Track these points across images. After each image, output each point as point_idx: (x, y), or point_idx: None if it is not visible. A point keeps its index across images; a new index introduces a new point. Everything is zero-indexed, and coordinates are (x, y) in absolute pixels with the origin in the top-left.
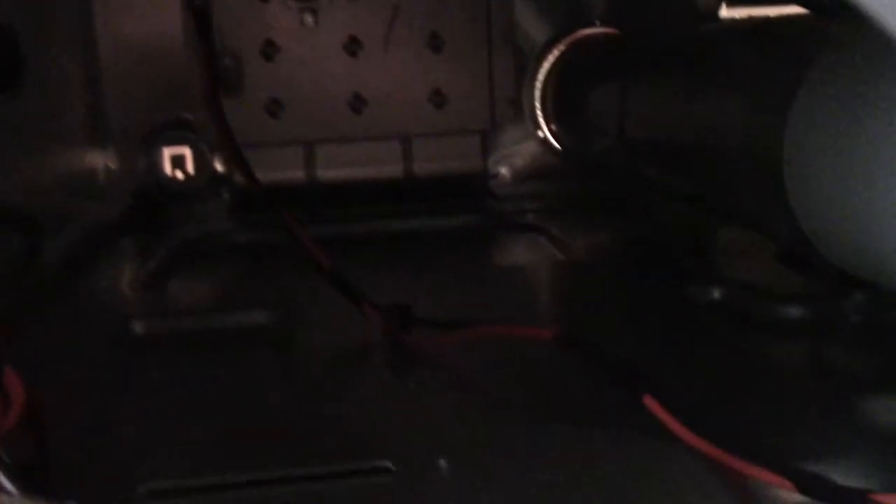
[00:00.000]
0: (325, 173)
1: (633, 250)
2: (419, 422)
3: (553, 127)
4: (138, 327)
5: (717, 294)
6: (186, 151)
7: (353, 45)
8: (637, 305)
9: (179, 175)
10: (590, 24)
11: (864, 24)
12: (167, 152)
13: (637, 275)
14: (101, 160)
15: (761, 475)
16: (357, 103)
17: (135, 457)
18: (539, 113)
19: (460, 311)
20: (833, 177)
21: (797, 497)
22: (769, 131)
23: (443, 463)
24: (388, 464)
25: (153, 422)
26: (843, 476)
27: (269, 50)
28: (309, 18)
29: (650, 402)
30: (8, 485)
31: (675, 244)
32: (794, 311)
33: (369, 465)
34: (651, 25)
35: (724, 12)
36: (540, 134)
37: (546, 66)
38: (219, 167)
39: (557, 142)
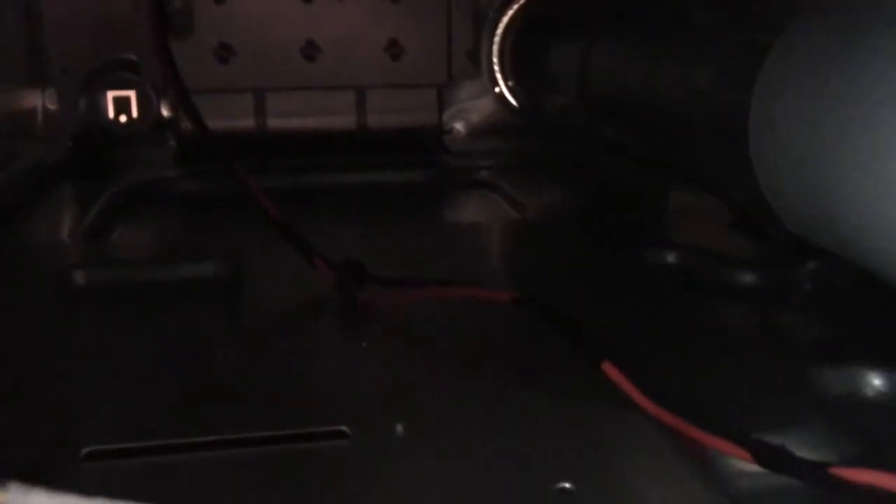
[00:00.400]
0: (276, 122)
1: (587, 211)
2: (374, 383)
3: (510, 83)
4: (80, 277)
5: (671, 258)
6: (131, 94)
7: None
8: (591, 267)
9: (123, 118)
10: None
11: None
12: (110, 95)
13: (591, 236)
14: (40, 101)
15: (720, 445)
16: (311, 51)
17: (76, 417)
18: (496, 68)
19: (411, 267)
20: (797, 144)
21: (755, 468)
22: (735, 96)
23: (399, 428)
24: (345, 428)
25: (95, 379)
26: (797, 446)
27: None
28: None
29: (609, 369)
30: None
31: (630, 205)
32: (748, 278)
33: (325, 429)
34: None
35: None
36: (497, 90)
37: (505, 20)
38: (165, 112)
39: (514, 98)
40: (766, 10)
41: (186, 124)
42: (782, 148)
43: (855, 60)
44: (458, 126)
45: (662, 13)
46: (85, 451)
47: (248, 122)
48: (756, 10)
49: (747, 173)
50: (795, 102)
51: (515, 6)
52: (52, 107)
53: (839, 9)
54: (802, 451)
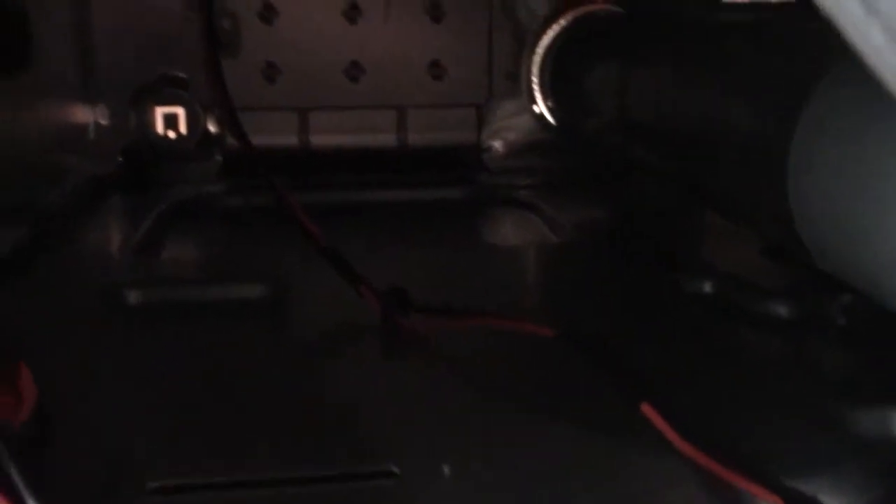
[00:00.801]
0: (319, 140)
1: (623, 233)
2: (420, 417)
3: (549, 102)
4: (131, 296)
5: (706, 286)
6: (179, 111)
7: (352, 12)
8: (627, 294)
9: (171, 134)
10: (592, 0)
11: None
12: (160, 111)
13: (627, 260)
14: (91, 116)
15: (755, 490)
16: (354, 71)
17: (136, 449)
18: (536, 87)
19: (449, 288)
20: (837, 186)
21: None
22: (777, 132)
23: (447, 468)
24: (393, 467)
25: (152, 409)
26: (828, 489)
27: (268, 13)
28: None
29: (648, 411)
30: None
31: (666, 228)
32: (783, 309)
33: (375, 468)
34: (653, 4)
35: None
36: (535, 109)
37: (546, 40)
38: (211, 128)
39: (553, 117)
40: (811, 48)
41: (232, 140)
42: (821, 187)
43: None
44: (497, 144)
45: (704, 40)
46: (150, 486)
47: (291, 140)
48: (802, 46)
49: (782, 208)
50: (838, 143)
51: (556, 27)
52: (103, 122)
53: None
54: (834, 495)
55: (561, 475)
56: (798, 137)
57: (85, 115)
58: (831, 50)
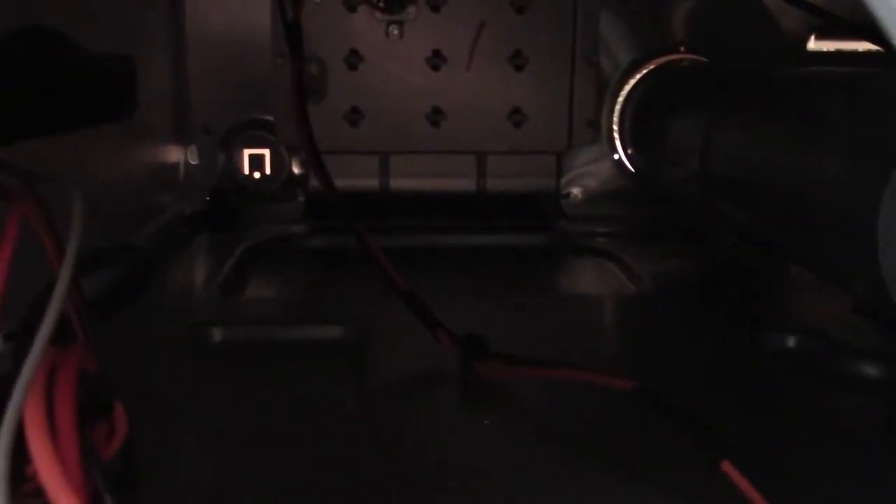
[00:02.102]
0: (399, 183)
1: (703, 285)
2: (495, 466)
3: (629, 150)
4: (216, 334)
5: (791, 343)
6: (265, 152)
7: (436, 59)
8: (709, 349)
9: (257, 175)
10: (674, 49)
11: None
12: (247, 152)
13: (708, 314)
14: (182, 156)
15: None
16: (436, 117)
17: (221, 492)
18: (616, 135)
19: (524, 335)
20: None
21: None
22: (866, 192)
23: None
24: None
25: (235, 447)
26: None
27: (354, 59)
28: (395, 30)
29: (729, 469)
30: None
31: (747, 281)
32: (872, 369)
33: None
34: (738, 56)
35: (813, 44)
36: (615, 156)
37: (627, 88)
38: (295, 169)
39: (632, 165)
40: None
41: (314, 182)
42: None
43: None
44: (576, 191)
45: (791, 94)
46: None
47: (372, 183)
48: (893, 103)
49: (871, 269)
50: None
51: (638, 76)
52: (193, 162)
53: None
54: None
55: None
56: (888, 200)
57: (176, 154)
58: None
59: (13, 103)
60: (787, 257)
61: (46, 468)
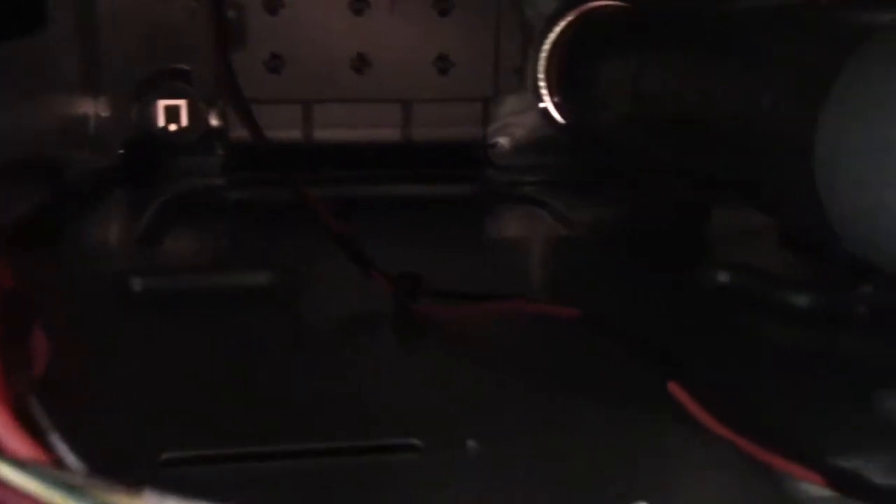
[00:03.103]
0: (323, 134)
1: (635, 227)
2: (442, 397)
3: (556, 99)
4: (136, 284)
5: (724, 278)
6: (182, 103)
7: (358, 4)
8: (645, 287)
9: (173, 127)
10: None
11: None
12: (161, 103)
13: (641, 254)
14: (92, 108)
15: (793, 469)
16: (360, 64)
17: (150, 422)
18: (542, 84)
19: (457, 281)
20: (865, 167)
21: (826, 493)
22: (802, 119)
23: (471, 443)
24: (417, 441)
25: (163, 386)
26: (867, 469)
27: (273, 3)
28: None
29: (676, 390)
30: (72, 459)
31: (678, 221)
32: (804, 299)
33: (397, 441)
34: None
35: None
36: (542, 105)
37: (552, 36)
38: (214, 121)
39: (560, 114)
40: (834, 30)
41: (234, 134)
42: (849, 172)
43: None
44: (502, 140)
45: (720, 28)
46: (164, 456)
47: (295, 133)
48: (824, 29)
49: (809, 193)
50: (865, 125)
51: (563, 22)
52: (104, 114)
53: None
54: (873, 473)
55: (585, 453)
56: (824, 121)
57: (85, 106)
58: (854, 33)
59: None
60: (724, 193)
61: None
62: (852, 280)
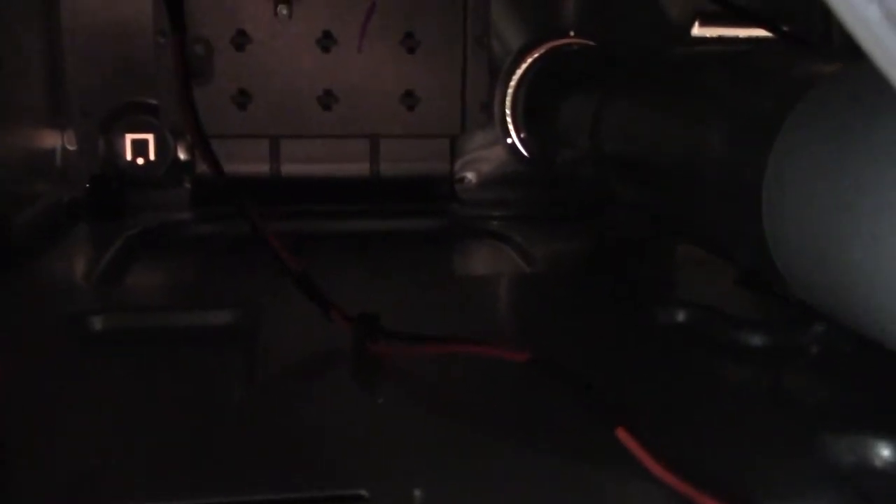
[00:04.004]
0: (290, 168)
1: (596, 263)
2: (391, 443)
3: (522, 134)
4: (95, 322)
5: (681, 317)
6: (149, 137)
7: (326, 41)
8: (601, 325)
9: (140, 161)
10: (564, 34)
11: (848, 65)
12: (129, 137)
13: (600, 291)
14: (59, 141)
15: None
16: (327, 100)
17: (96, 472)
18: (509, 120)
19: (420, 318)
20: (810, 213)
21: None
22: (750, 161)
23: (417, 493)
24: (364, 492)
25: (110, 431)
26: None
27: (241, 40)
28: (283, 10)
29: (624, 436)
30: None
31: (638, 259)
32: (757, 339)
33: (344, 492)
34: (625, 39)
35: (697, 30)
36: (508, 140)
37: (519, 73)
38: (181, 155)
39: (525, 149)
40: (783, 77)
41: (202, 168)
42: (794, 215)
43: (870, 132)
44: (469, 175)
45: (677, 72)
46: None
47: (262, 168)
48: (774, 76)
49: (756, 236)
50: (810, 171)
51: (529, 60)
52: (70, 147)
53: (857, 79)
54: None
55: (534, 499)
56: (771, 166)
57: (52, 139)
58: (802, 79)
59: None
60: (677, 232)
61: None
62: (806, 319)
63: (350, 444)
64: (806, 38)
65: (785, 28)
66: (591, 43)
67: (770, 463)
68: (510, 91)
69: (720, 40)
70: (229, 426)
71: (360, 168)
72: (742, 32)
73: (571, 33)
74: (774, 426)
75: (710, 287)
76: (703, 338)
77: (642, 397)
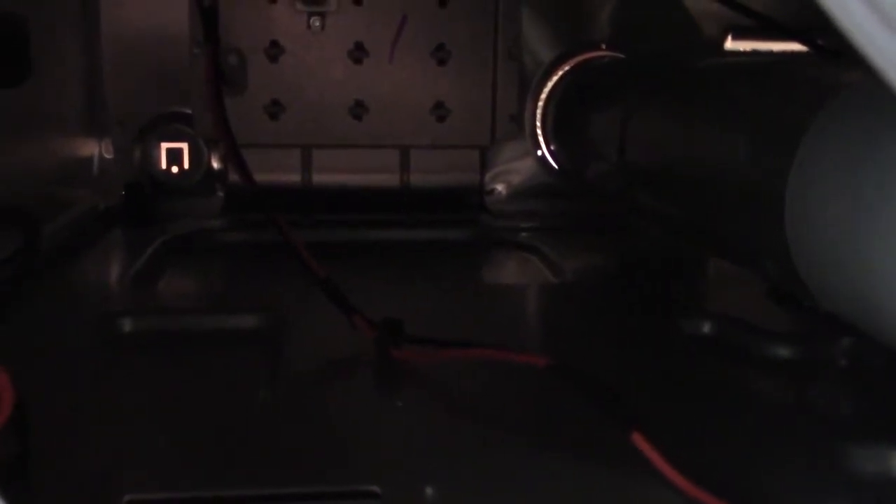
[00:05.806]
0: (321, 178)
1: (624, 275)
2: (408, 443)
3: (552, 146)
4: (126, 324)
5: (707, 328)
6: (183, 146)
7: (358, 52)
8: (627, 335)
9: (174, 169)
10: (595, 47)
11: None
12: (164, 146)
13: (627, 302)
14: (96, 150)
15: None
16: (358, 110)
17: (117, 464)
18: (539, 132)
19: (448, 327)
20: (833, 223)
21: None
22: (773, 172)
23: (430, 490)
24: (376, 488)
25: (136, 427)
26: None
27: (274, 51)
28: (316, 22)
29: (639, 440)
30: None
31: (666, 271)
32: (784, 351)
33: (357, 488)
34: (656, 52)
35: (729, 44)
36: (538, 152)
37: (549, 85)
38: (214, 164)
39: (555, 161)
40: (806, 87)
41: (235, 176)
42: (818, 225)
43: (893, 141)
44: (499, 187)
45: (701, 83)
46: (126, 498)
47: (294, 177)
48: (796, 86)
49: (781, 248)
50: (833, 180)
51: (560, 73)
52: (107, 156)
53: (879, 87)
54: None
55: (546, 501)
56: (794, 176)
57: (90, 148)
58: (825, 88)
59: None
60: (704, 244)
61: None
62: (834, 332)
63: (367, 443)
64: (840, 51)
65: (819, 41)
66: (622, 56)
67: (789, 471)
68: (540, 104)
69: (753, 55)
70: (251, 424)
71: (391, 178)
72: (776, 46)
73: (603, 46)
74: (798, 437)
75: (740, 300)
76: (728, 349)
77: (664, 406)
